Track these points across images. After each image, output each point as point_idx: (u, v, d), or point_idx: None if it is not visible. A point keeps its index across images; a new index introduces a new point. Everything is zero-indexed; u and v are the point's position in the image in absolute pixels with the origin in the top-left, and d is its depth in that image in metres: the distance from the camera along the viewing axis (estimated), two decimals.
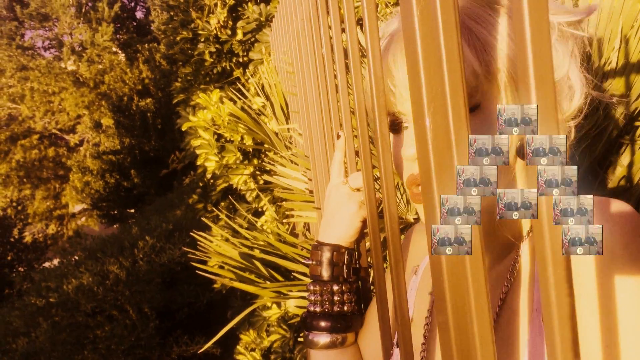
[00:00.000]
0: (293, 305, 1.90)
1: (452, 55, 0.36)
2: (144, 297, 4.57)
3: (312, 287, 0.79)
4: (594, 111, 1.52)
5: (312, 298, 0.79)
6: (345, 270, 0.77)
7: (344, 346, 0.76)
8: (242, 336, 3.90)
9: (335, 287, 0.76)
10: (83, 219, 18.09)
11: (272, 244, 2.01)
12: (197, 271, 1.66)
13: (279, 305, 3.26)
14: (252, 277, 1.90)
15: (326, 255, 0.76)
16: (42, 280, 4.72)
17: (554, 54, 0.54)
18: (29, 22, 17.49)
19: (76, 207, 18.00)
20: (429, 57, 0.37)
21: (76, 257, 5.19)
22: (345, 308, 0.76)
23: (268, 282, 1.90)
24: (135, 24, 17.56)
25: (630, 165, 1.39)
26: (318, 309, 0.77)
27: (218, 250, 1.92)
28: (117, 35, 16.91)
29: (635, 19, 1.77)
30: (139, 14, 18.02)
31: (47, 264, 9.22)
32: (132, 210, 15.19)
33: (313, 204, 1.76)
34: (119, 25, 17.11)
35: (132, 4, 17.78)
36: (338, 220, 0.76)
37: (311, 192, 1.84)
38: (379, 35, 0.56)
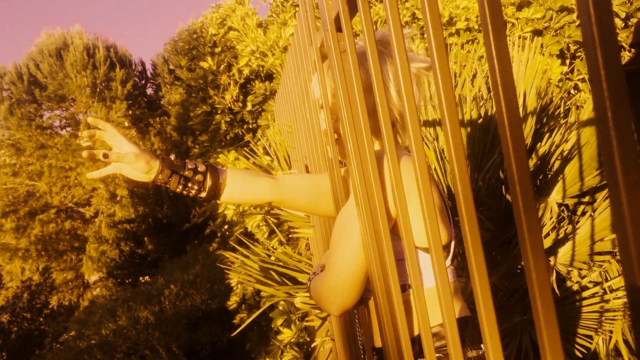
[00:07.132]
0: (300, 302, 2.52)
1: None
2: (172, 337, 5.17)
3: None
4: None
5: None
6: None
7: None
8: None
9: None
10: (98, 289, 18.60)
11: (281, 259, 2.68)
12: (227, 273, 2.32)
13: (289, 326, 3.88)
14: (269, 282, 2.54)
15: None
16: (82, 328, 5.32)
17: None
18: (47, 103, 18.52)
19: (92, 277, 18.56)
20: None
21: (109, 305, 5.82)
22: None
23: (280, 286, 2.55)
24: (146, 99, 18.67)
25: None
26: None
27: (243, 264, 2.59)
28: (130, 111, 17.99)
29: (531, 83, 2.56)
30: (149, 91, 19.13)
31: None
32: (147, 278, 15.65)
33: (309, 223, 2.46)
34: (131, 101, 18.18)
35: (143, 82, 18.98)
36: None
37: (307, 216, 2.55)
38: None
